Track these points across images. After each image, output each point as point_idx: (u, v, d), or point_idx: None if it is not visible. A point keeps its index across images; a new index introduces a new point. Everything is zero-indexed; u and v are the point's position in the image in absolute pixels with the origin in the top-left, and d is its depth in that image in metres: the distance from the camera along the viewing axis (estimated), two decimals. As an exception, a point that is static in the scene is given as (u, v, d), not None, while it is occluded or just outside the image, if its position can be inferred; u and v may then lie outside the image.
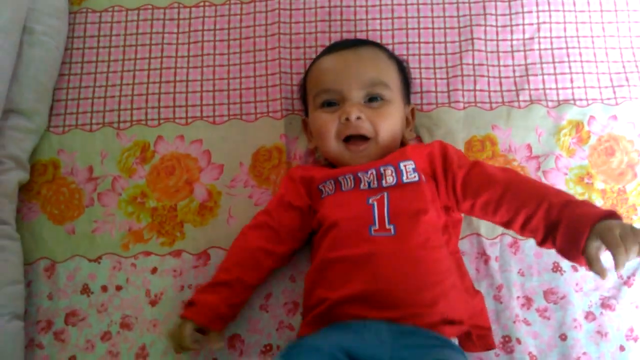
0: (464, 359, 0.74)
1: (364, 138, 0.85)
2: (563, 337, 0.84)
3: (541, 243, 0.74)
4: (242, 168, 0.95)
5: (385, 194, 0.79)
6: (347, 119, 0.83)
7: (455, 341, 0.77)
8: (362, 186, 0.81)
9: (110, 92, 0.99)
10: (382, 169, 0.81)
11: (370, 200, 0.79)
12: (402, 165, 0.82)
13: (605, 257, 0.66)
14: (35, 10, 0.94)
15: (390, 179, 0.80)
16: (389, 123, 0.85)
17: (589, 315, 0.85)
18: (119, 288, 0.88)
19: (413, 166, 0.81)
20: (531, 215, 0.74)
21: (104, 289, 0.88)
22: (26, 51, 0.92)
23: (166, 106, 0.99)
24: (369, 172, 0.82)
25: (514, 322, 0.85)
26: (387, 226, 0.77)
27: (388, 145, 0.86)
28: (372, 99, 0.85)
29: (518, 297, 0.86)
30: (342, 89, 0.85)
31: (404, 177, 0.81)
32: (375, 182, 0.81)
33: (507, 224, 0.79)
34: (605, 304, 0.86)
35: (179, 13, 1.05)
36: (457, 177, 0.81)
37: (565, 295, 0.86)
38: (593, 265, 0.65)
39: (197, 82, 1.00)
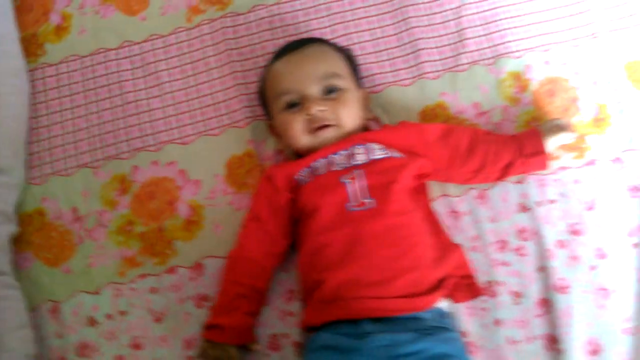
0: (453, 342, 0.81)
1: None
2: (541, 269, 0.90)
3: (511, 163, 0.90)
4: (218, 179, 1.00)
5: (357, 172, 0.86)
6: (311, 114, 0.89)
7: (445, 305, 0.83)
8: (334, 167, 0.87)
9: (78, 135, 1.05)
10: (352, 149, 0.88)
11: (343, 179, 0.85)
12: (370, 144, 0.88)
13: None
14: (-5, 73, 0.99)
15: (361, 157, 0.87)
16: (349, 109, 0.92)
17: (561, 243, 0.91)
18: (123, 313, 0.92)
19: (381, 144, 0.88)
20: (498, 148, 0.91)
21: (109, 317, 0.92)
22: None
23: (134, 137, 1.04)
24: (340, 153, 0.88)
25: (492, 266, 0.91)
26: (362, 200, 0.83)
27: (352, 129, 0.92)
28: (329, 91, 0.92)
29: (493, 242, 0.92)
30: (299, 88, 0.91)
31: (374, 154, 0.87)
32: (347, 162, 0.87)
33: (480, 168, 0.90)
34: (572, 230, 0.92)
35: (130, 51, 1.11)
36: (435, 140, 0.91)
37: (536, 230, 0.92)
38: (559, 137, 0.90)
39: (159, 110, 1.06)
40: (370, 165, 0.87)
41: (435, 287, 0.81)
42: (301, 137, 0.91)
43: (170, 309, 0.92)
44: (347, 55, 0.99)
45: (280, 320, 0.91)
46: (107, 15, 1.13)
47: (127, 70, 1.09)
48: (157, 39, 1.11)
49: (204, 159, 1.01)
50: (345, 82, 0.92)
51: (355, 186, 0.84)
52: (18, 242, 0.97)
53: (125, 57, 1.10)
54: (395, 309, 0.78)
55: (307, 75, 0.91)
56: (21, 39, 1.09)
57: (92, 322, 0.92)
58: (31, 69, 1.09)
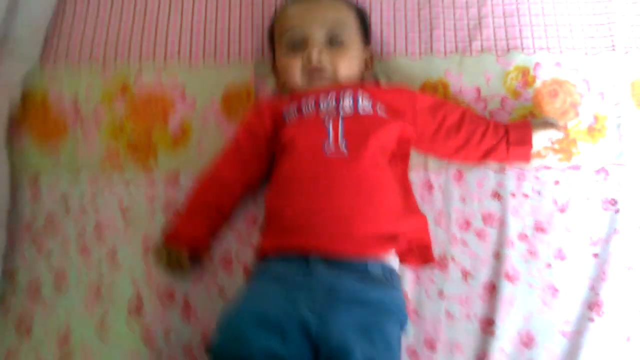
0: (395, 299, 0.81)
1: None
2: (496, 256, 0.91)
3: (494, 146, 0.91)
4: (213, 103, 1.04)
5: (341, 119, 0.88)
6: (310, 57, 0.92)
7: (394, 257, 0.85)
8: (321, 109, 0.90)
9: (97, 33, 1.10)
10: (341, 94, 0.90)
11: (326, 121, 0.88)
12: (360, 95, 0.90)
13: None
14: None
15: (347, 107, 0.89)
16: (348, 61, 0.94)
17: (522, 236, 0.91)
18: (94, 197, 0.97)
19: (370, 97, 0.91)
20: (485, 130, 0.92)
21: (81, 197, 0.97)
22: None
23: (147, 47, 1.09)
24: (329, 96, 0.90)
25: (451, 242, 0.92)
26: (340, 147, 0.85)
27: (347, 80, 0.94)
28: (332, 41, 0.94)
29: (457, 220, 0.93)
30: (305, 28, 0.94)
31: (360, 108, 0.90)
32: (333, 109, 0.89)
33: (464, 145, 0.92)
34: (538, 227, 0.92)
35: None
36: (424, 109, 0.93)
37: (502, 218, 0.92)
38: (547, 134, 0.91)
39: (176, 26, 1.10)
40: (354, 115, 0.89)
41: (389, 240, 0.83)
42: (297, 78, 0.94)
43: (138, 206, 0.96)
44: (360, 14, 1.01)
45: (237, 243, 0.94)
46: None
47: (157, -16, 1.14)
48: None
49: (205, 82, 1.05)
50: (350, 35, 0.95)
51: (335, 131, 0.86)
52: (17, 114, 1.03)
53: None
54: (345, 250, 0.80)
55: (315, 19, 0.93)
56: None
57: (64, 199, 0.97)
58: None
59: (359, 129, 0.87)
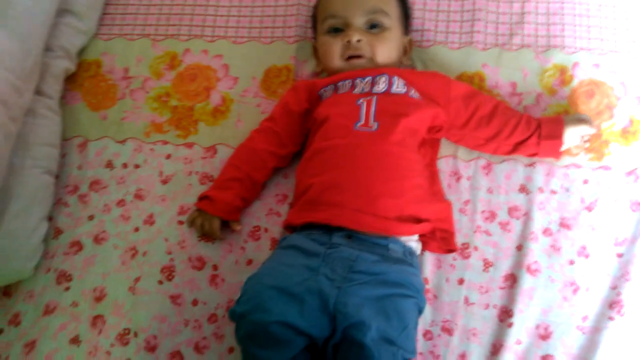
0: (413, 281, 0.82)
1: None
2: (519, 248, 0.92)
3: (525, 140, 0.93)
4: (254, 81, 1.08)
5: (374, 97, 0.91)
6: (349, 42, 0.95)
7: (415, 238, 0.87)
8: (355, 90, 0.93)
9: (151, 9, 1.16)
10: (377, 77, 0.93)
11: (360, 101, 0.91)
12: (395, 77, 0.93)
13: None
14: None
15: (381, 86, 0.92)
16: (386, 47, 0.97)
17: (547, 231, 0.93)
18: (137, 166, 1.03)
19: (405, 81, 0.93)
20: (517, 123, 0.94)
21: (125, 165, 1.03)
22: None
23: (196, 25, 1.14)
24: (366, 79, 0.93)
25: (475, 232, 0.94)
26: (371, 123, 0.88)
27: (384, 65, 0.97)
28: (373, 26, 0.97)
29: (483, 211, 0.95)
30: (346, 15, 0.96)
31: (394, 87, 0.92)
32: (368, 88, 0.92)
33: (495, 136, 0.93)
34: (564, 224, 0.93)
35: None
36: (458, 97, 0.95)
37: (528, 212, 0.94)
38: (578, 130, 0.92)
39: (225, 7, 1.15)
40: (387, 95, 0.91)
41: (413, 223, 0.85)
42: (336, 60, 0.97)
43: (177, 176, 1.01)
44: (402, 1, 1.03)
45: (266, 216, 0.98)
46: None
47: (209, -33, 1.18)
48: (244, -54, 1.19)
49: (247, 60, 1.10)
50: (390, 21, 0.97)
51: (368, 109, 0.89)
52: (72, 81, 1.09)
53: (210, -44, 1.19)
54: (368, 227, 0.83)
55: (356, 5, 0.96)
56: None
57: (109, 164, 1.03)
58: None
59: (391, 109, 0.90)
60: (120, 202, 1.00)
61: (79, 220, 0.99)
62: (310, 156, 0.91)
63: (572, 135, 0.93)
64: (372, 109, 0.89)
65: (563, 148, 0.94)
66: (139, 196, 1.00)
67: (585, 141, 0.96)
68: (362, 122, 0.88)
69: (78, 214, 0.99)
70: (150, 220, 0.99)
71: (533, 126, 0.93)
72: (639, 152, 0.96)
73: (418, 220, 0.86)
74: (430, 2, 1.11)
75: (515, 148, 0.94)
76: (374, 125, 0.88)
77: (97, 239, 0.97)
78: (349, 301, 0.76)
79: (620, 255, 0.90)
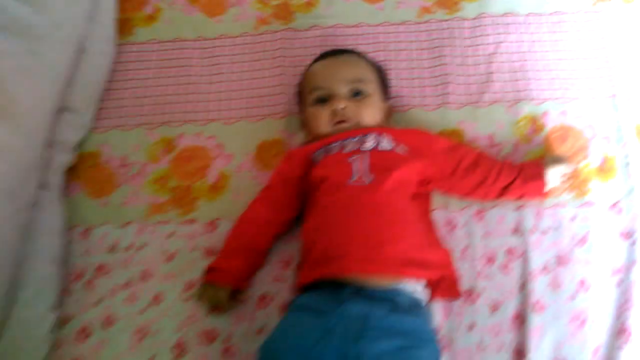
0: (427, 329, 0.85)
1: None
2: (522, 288, 0.95)
3: (511, 183, 0.99)
4: (248, 157, 1.13)
5: (364, 155, 0.97)
6: (335, 109, 1.02)
7: (421, 287, 0.90)
8: (345, 150, 0.99)
9: (143, 102, 1.22)
10: (365, 136, 0.99)
11: (351, 159, 0.96)
12: (382, 135, 1.00)
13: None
14: (91, 35, 1.20)
15: (369, 143, 0.98)
16: (369, 111, 1.04)
17: (545, 269, 0.96)
18: (140, 248, 1.04)
19: (391, 138, 1.00)
20: (501, 168, 1.01)
21: (128, 248, 1.04)
22: (81, 65, 1.16)
23: (188, 111, 1.20)
24: (355, 139, 0.99)
25: (477, 277, 0.97)
26: (364, 178, 0.93)
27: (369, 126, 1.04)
28: (355, 94, 1.05)
29: (482, 256, 0.99)
30: (330, 86, 1.04)
31: (381, 144, 0.99)
32: (357, 146, 0.98)
33: (481, 182, 0.99)
34: (560, 261, 0.97)
35: (202, 44, 1.29)
36: (442, 150, 1.02)
37: (524, 253, 0.98)
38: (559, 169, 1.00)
39: (213, 94, 1.22)
40: (376, 151, 0.97)
41: (418, 267, 0.88)
42: (324, 127, 1.04)
43: (180, 253, 1.03)
44: (378, 69, 1.13)
45: (272, 284, 1.00)
46: (190, 14, 1.34)
47: (197, 58, 1.27)
48: (226, 38, 1.30)
49: (240, 138, 1.16)
50: (371, 88, 1.05)
51: (359, 165, 0.95)
52: (71, 173, 1.12)
53: (198, 48, 1.29)
54: (377, 271, 0.85)
55: (339, 77, 1.04)
56: (117, 20, 1.31)
57: (112, 249, 1.04)
58: (120, 44, 1.30)
59: (382, 164, 0.95)
60: (127, 285, 1.01)
61: (86, 306, 0.98)
62: (312, 216, 0.95)
63: (553, 174, 0.99)
64: (364, 164, 0.95)
65: (547, 188, 1.00)
66: (144, 276, 1.01)
67: (566, 180, 1.02)
68: (355, 178, 0.93)
69: (84, 300, 0.99)
70: (157, 299, 0.99)
71: (516, 169, 1.00)
72: (617, 187, 1.03)
73: (422, 265, 0.88)
74: (403, 71, 1.21)
75: (503, 192, 1.00)
76: (367, 180, 0.93)
77: (106, 323, 0.97)
78: (367, 356, 0.76)
79: (618, 285, 0.94)
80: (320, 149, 1.01)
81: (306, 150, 1.03)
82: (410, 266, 0.86)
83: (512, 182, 0.99)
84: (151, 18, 1.34)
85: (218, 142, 1.16)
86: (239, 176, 1.11)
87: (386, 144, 0.99)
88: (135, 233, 1.06)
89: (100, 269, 1.03)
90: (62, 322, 0.97)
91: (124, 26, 1.32)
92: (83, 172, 1.14)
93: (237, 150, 1.14)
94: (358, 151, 0.97)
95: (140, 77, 1.26)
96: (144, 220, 1.08)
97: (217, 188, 1.10)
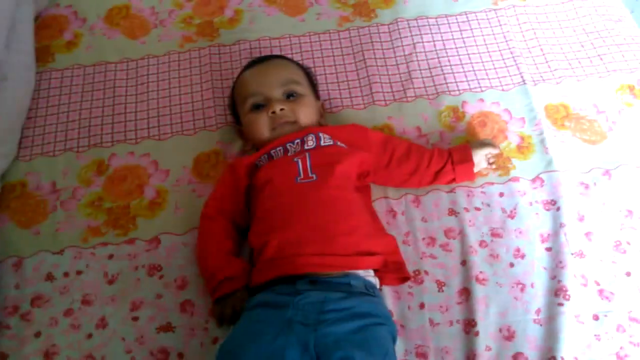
0: (382, 310, 0.88)
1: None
2: (463, 263, 1.00)
3: (442, 167, 1.04)
4: (185, 170, 1.12)
5: (307, 153, 0.99)
6: (274, 112, 1.04)
7: (372, 273, 0.92)
8: (289, 153, 1.00)
9: (70, 125, 1.19)
10: (304, 137, 1.02)
11: (295, 159, 0.98)
12: (321, 134, 1.02)
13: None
14: (10, 62, 1.15)
15: (310, 143, 1.01)
16: (306, 110, 1.07)
17: (482, 243, 1.01)
18: (79, 272, 1.00)
19: (329, 136, 1.03)
20: (431, 155, 1.06)
21: (66, 274, 1.00)
22: (1, 94, 1.11)
23: (118, 131, 1.18)
24: (295, 142, 1.01)
25: (421, 258, 1.00)
26: (310, 175, 0.96)
27: (308, 126, 1.06)
28: (289, 95, 1.07)
29: (423, 238, 1.03)
30: (264, 91, 1.06)
31: (322, 142, 1.01)
32: (299, 148, 1.01)
33: (415, 170, 1.04)
34: (494, 233, 1.03)
35: (127, 65, 1.28)
36: (377, 142, 1.05)
37: (462, 231, 1.03)
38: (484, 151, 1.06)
39: (144, 112, 1.21)
40: (318, 149, 1.00)
41: (367, 257, 0.90)
42: (264, 132, 1.05)
43: (123, 274, 1.00)
44: (306, 71, 1.17)
45: (224, 291, 0.98)
46: (112, 37, 1.33)
47: (122, 79, 1.26)
48: (151, 58, 1.29)
49: (175, 153, 1.15)
50: (303, 89, 1.09)
51: (304, 164, 0.97)
52: (-3, 205, 1.07)
53: (123, 70, 1.27)
54: (332, 265, 0.87)
55: (271, 81, 1.07)
56: (36, 48, 1.28)
57: (49, 277, 0.99)
58: (40, 71, 1.26)
59: (325, 160, 0.98)
60: (68, 312, 0.96)
61: (25, 340, 0.92)
62: (260, 217, 0.95)
63: (480, 156, 1.06)
64: (308, 163, 0.97)
65: (475, 170, 1.06)
66: (86, 302, 0.97)
67: (491, 162, 1.09)
68: (302, 175, 0.95)
69: (22, 333, 0.93)
70: (102, 324, 0.95)
71: (445, 155, 1.06)
72: (536, 162, 1.11)
73: (372, 254, 0.91)
74: (331, 76, 1.26)
75: (436, 177, 1.05)
76: (314, 176, 0.95)
77: (48, 355, 0.91)
78: (328, 340, 0.78)
79: (549, 250, 1.00)
80: (262, 156, 1.02)
81: (248, 159, 1.03)
82: (363, 256, 0.89)
83: (443, 167, 1.04)
84: (71, 44, 1.32)
85: (152, 159, 1.14)
86: (178, 190, 1.10)
87: (327, 140, 1.02)
88: (72, 258, 1.01)
89: (38, 299, 0.97)
90: (-1, 360, 0.90)
91: (43, 53, 1.30)
92: (10, 202, 1.08)
93: (173, 165, 1.13)
94: (302, 151, 1.00)
95: (64, 102, 1.23)
96: (80, 244, 1.03)
97: (156, 204, 1.08)
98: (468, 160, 1.05)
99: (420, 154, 1.06)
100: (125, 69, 1.28)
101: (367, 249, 0.91)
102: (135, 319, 0.95)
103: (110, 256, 1.02)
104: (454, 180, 1.06)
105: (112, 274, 1.00)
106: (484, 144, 1.08)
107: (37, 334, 0.93)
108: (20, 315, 0.95)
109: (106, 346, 0.93)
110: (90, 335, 0.93)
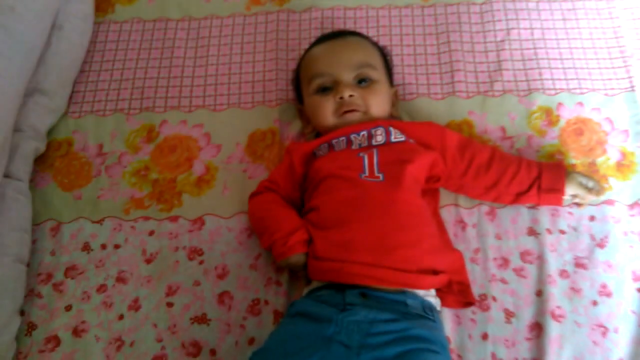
0: (437, 337, 0.76)
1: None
2: (538, 293, 0.87)
3: (526, 191, 0.89)
4: (238, 147, 1.03)
5: (375, 150, 0.87)
6: (342, 98, 0.92)
7: (433, 293, 0.81)
8: (353, 146, 0.89)
9: (123, 84, 1.11)
10: (372, 130, 0.90)
11: (361, 154, 0.87)
12: (391, 128, 0.90)
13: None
14: (67, 11, 1.08)
15: (379, 138, 0.89)
16: (378, 99, 0.94)
17: (563, 273, 0.88)
18: (117, 247, 0.94)
19: (400, 131, 0.91)
20: (516, 171, 0.90)
21: (104, 247, 0.94)
22: (55, 43, 1.05)
23: (172, 97, 1.09)
24: (361, 134, 0.90)
25: (490, 281, 0.88)
26: (376, 174, 0.84)
27: (377, 117, 0.94)
28: (361, 80, 0.95)
29: (495, 258, 0.90)
30: (334, 73, 0.94)
31: (392, 137, 0.89)
32: (366, 142, 0.89)
33: (493, 185, 0.90)
34: (578, 263, 0.89)
35: (189, 24, 1.19)
36: (454, 145, 0.92)
37: (541, 255, 0.90)
38: (583, 191, 0.90)
39: (201, 78, 1.12)
40: (387, 145, 0.88)
41: (430, 275, 0.79)
42: (329, 118, 0.94)
43: (162, 254, 0.93)
44: (383, 53, 1.03)
45: (265, 287, 0.90)
46: (177, -8, 1.23)
47: (182, 39, 1.17)
48: (215, 18, 1.19)
49: (229, 127, 1.05)
50: (378, 74, 0.96)
51: (370, 161, 0.86)
52: (42, 162, 1.02)
53: (184, 29, 1.18)
54: (386, 280, 0.76)
55: (343, 62, 0.95)
56: (96, -4, 1.20)
57: (86, 247, 0.94)
58: (98, 22, 1.19)
59: (394, 157, 0.86)
60: (101, 288, 0.90)
61: (55, 312, 0.88)
62: (312, 212, 0.85)
63: (574, 187, 0.90)
64: (375, 160, 0.86)
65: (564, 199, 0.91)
66: (121, 279, 0.91)
67: (586, 192, 0.91)
68: (367, 173, 0.84)
69: (53, 305, 0.89)
70: (135, 306, 0.89)
71: (533, 173, 0.90)
72: (637, 185, 0.95)
73: (435, 272, 0.80)
74: (408, 58, 1.12)
75: (516, 199, 0.91)
76: (380, 176, 0.84)
77: (77, 332, 0.86)
78: None
79: (641, 291, 0.86)
80: (322, 144, 0.91)
81: (307, 146, 0.93)
82: (424, 274, 0.78)
83: (527, 191, 0.90)
84: (133, -5, 1.23)
85: (205, 131, 1.05)
86: (228, 169, 1.01)
87: (398, 136, 0.90)
88: (111, 230, 0.95)
89: (72, 270, 0.92)
90: (27, 330, 0.86)
91: (103, 2, 1.22)
92: (54, 161, 1.03)
93: (225, 141, 1.04)
94: (369, 146, 0.88)
95: (119, 59, 1.15)
96: (122, 215, 0.97)
97: (203, 181, 1.00)
98: (558, 190, 0.89)
99: (503, 166, 0.91)
100: (187, 28, 1.18)
101: (430, 266, 0.80)
102: (169, 304, 0.89)
103: (151, 232, 0.95)
104: (537, 203, 0.92)
105: (150, 252, 0.93)
106: (585, 186, 0.90)
107: (68, 307, 0.89)
108: (52, 285, 0.90)
109: (137, 331, 0.87)
110: (121, 317, 0.88)
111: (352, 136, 0.90)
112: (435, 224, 0.86)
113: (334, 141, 0.91)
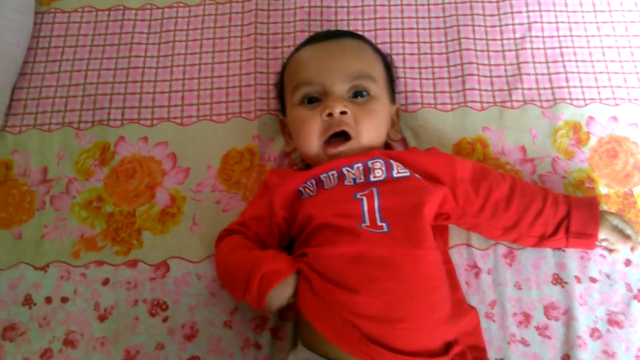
0: None
1: (345, 137, 0.77)
2: (565, 358, 0.74)
3: (552, 234, 0.74)
4: (209, 171, 0.87)
5: (375, 189, 0.71)
6: (330, 114, 0.75)
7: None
8: (346, 182, 0.73)
9: (72, 91, 0.93)
10: (369, 163, 0.73)
11: (358, 195, 0.71)
12: (392, 161, 0.74)
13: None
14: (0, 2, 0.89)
15: (379, 172, 0.73)
16: (374, 121, 0.77)
17: (595, 333, 0.75)
18: (64, 300, 0.79)
19: (402, 165, 0.74)
20: (541, 208, 0.75)
21: (48, 300, 0.79)
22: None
23: (131, 107, 0.92)
24: (355, 167, 0.74)
25: (509, 343, 0.75)
26: (379, 223, 0.68)
27: (371, 145, 0.77)
28: (357, 93, 0.78)
29: (514, 313, 0.77)
30: (325, 82, 0.77)
31: (394, 172, 0.73)
32: (362, 177, 0.73)
33: (513, 226, 0.75)
34: (612, 320, 0.75)
35: (151, 14, 1.00)
36: (466, 178, 0.75)
37: (568, 310, 0.76)
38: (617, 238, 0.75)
39: (165, 83, 0.94)
40: (389, 183, 0.72)
41: (441, 352, 0.65)
42: (313, 143, 0.77)
43: (119, 309, 0.78)
44: (387, 63, 0.86)
45: (243, 351, 0.76)
46: (135, -27, 1.03)
47: (143, 33, 0.98)
48: (182, 7, 1.00)
49: (199, 145, 0.89)
50: (378, 88, 0.79)
51: (370, 205, 0.70)
52: (-27, 192, 0.85)
53: (144, 20, 0.99)
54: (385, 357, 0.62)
55: (337, 69, 0.77)
56: (38, -19, 1.00)
57: (28, 301, 0.78)
58: (42, 12, 1.00)
59: (400, 201, 0.70)
60: (46, 353, 0.76)
61: (-12, 387, 0.74)
62: (305, 258, 0.70)
63: (608, 232, 0.75)
64: (376, 204, 0.70)
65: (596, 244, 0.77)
66: (69, 342, 0.76)
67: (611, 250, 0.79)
68: (367, 222, 0.68)
69: (-14, 376, 0.74)
70: (87, 375, 0.74)
71: (561, 212, 0.75)
72: (682, 221, 0.81)
73: (449, 345, 0.66)
74: (412, 58, 0.94)
75: (540, 242, 0.76)
76: (384, 226, 0.68)
77: (14, 412, 0.72)
78: None
79: (687, 354, 0.73)
80: (309, 180, 0.75)
81: (289, 180, 0.76)
82: (434, 357, 0.63)
83: (553, 234, 0.75)
84: (83, -22, 1.03)
85: (170, 151, 0.88)
86: (198, 199, 0.85)
87: (401, 170, 0.73)
88: (58, 279, 0.80)
89: (10, 330, 0.77)
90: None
91: (46, -12, 1.02)
92: (-11, 190, 0.86)
93: (194, 163, 0.87)
94: (366, 184, 0.72)
95: (67, 58, 0.96)
96: (70, 260, 0.81)
97: (168, 215, 0.84)
98: (590, 236, 0.74)
99: (525, 202, 0.75)
100: (148, 19, 0.99)
101: (442, 339, 0.66)
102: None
103: (106, 281, 0.80)
104: (565, 247, 0.78)
105: (105, 306, 0.78)
106: (622, 233, 0.76)
107: (5, 379, 0.74)
108: (-14, 351, 0.76)
109: (89, 407, 0.73)
110: (70, 392, 0.74)
111: (344, 169, 0.74)
112: (447, 278, 0.71)
113: (322, 176, 0.74)
